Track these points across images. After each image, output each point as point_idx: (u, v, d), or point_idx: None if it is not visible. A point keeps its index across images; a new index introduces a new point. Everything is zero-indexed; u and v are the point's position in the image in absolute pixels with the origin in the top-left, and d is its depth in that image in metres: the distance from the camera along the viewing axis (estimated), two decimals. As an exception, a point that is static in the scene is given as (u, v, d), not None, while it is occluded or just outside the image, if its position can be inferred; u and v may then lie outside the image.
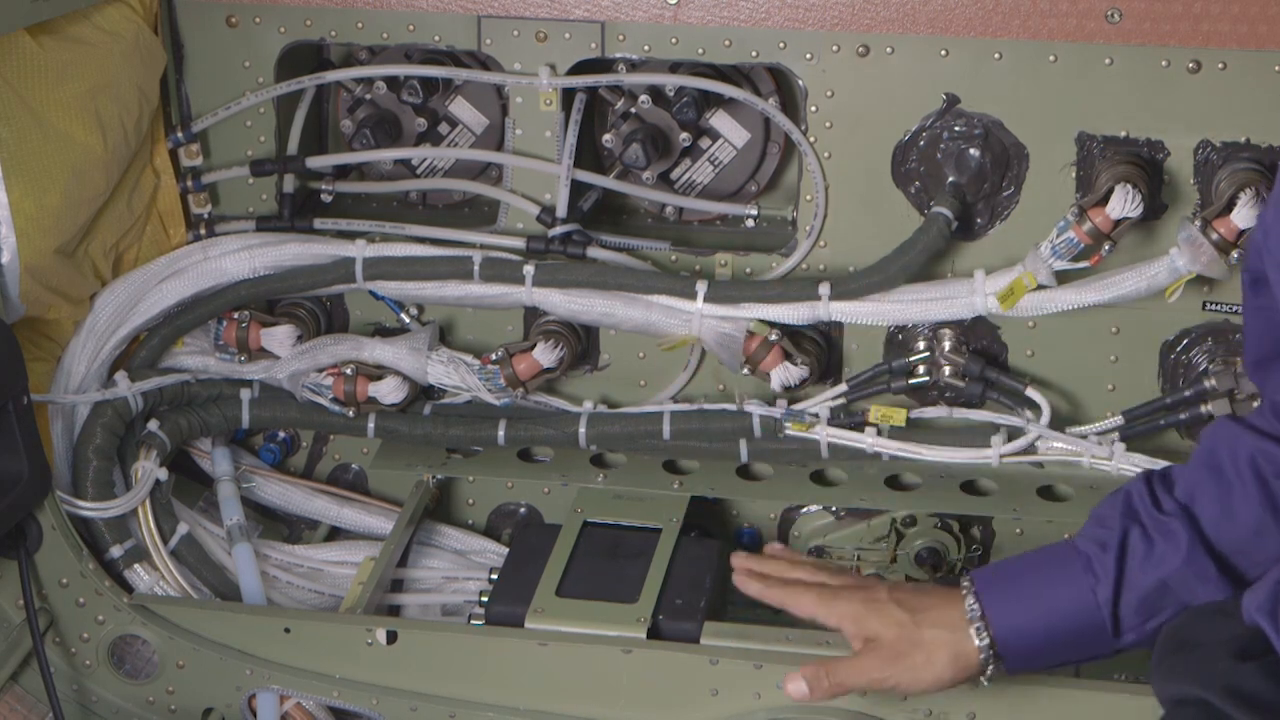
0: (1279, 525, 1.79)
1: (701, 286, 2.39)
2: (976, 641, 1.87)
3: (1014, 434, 2.38)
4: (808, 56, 2.34)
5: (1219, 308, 2.34)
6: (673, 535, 2.32)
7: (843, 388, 2.44)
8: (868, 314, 2.37)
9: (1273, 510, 1.79)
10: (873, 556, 2.46)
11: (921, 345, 2.42)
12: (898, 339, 2.45)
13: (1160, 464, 2.32)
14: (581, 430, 2.48)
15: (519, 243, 2.49)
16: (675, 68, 2.44)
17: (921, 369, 2.42)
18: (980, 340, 2.43)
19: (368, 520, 2.57)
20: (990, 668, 1.88)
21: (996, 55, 2.29)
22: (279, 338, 2.49)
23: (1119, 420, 2.39)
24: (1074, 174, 2.33)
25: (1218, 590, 1.79)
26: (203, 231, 2.53)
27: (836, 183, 2.40)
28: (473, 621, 2.23)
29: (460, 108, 2.57)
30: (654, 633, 2.15)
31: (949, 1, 2.26)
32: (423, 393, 2.53)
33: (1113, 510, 1.88)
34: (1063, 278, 2.29)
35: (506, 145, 2.49)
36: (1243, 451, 1.80)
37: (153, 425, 2.43)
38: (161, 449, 2.41)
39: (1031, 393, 2.39)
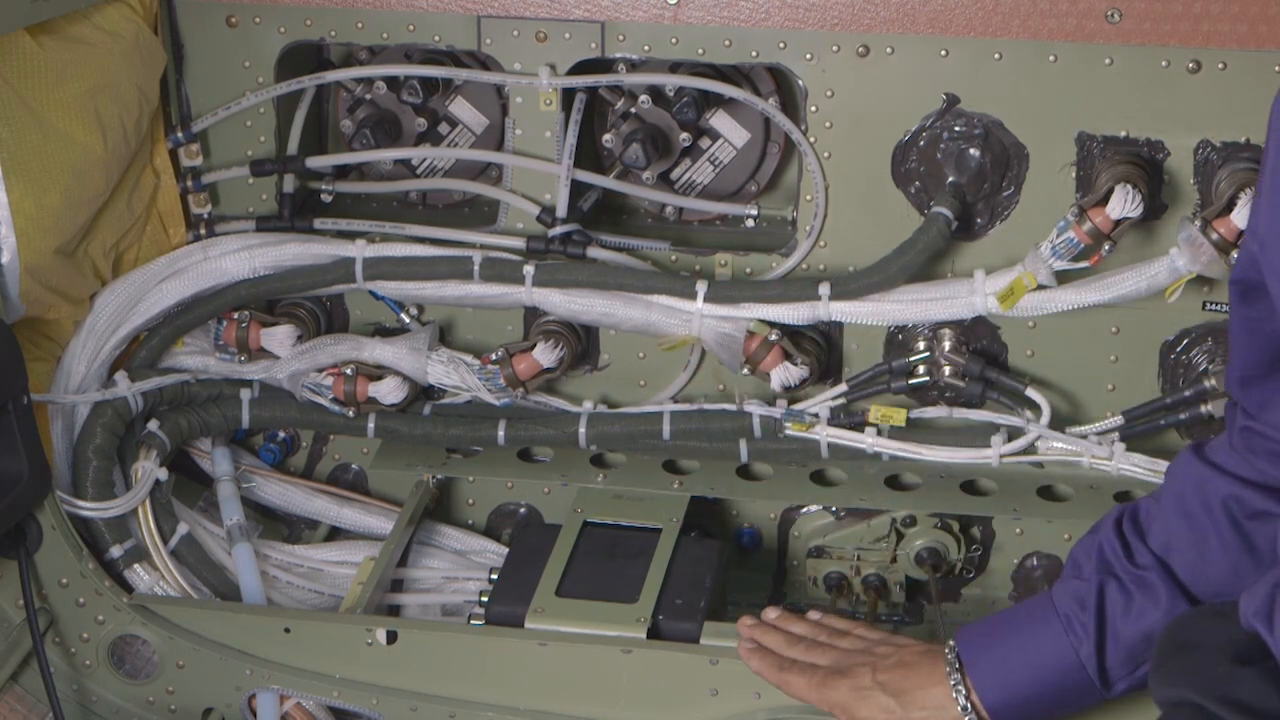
0: (1256, 565, 1.78)
1: (701, 286, 2.39)
2: (965, 719, 1.89)
3: (1014, 434, 2.38)
4: (808, 56, 2.34)
5: (1219, 308, 2.34)
6: (673, 535, 2.32)
7: (843, 388, 2.44)
8: (868, 314, 2.37)
9: (1249, 551, 1.79)
10: (873, 556, 2.45)
11: (921, 345, 2.42)
12: (898, 339, 2.45)
13: (1158, 462, 2.32)
14: (581, 430, 2.48)
15: (519, 243, 2.49)
16: (675, 68, 2.44)
17: (921, 369, 2.42)
18: (980, 340, 2.43)
19: (368, 520, 2.57)
20: None
21: (996, 55, 2.29)
22: (279, 338, 2.49)
23: (1119, 420, 2.39)
24: (1074, 174, 2.33)
25: None
26: (203, 231, 2.53)
27: (836, 183, 2.40)
28: (473, 621, 2.23)
29: (460, 108, 2.57)
30: (654, 633, 2.15)
31: (949, 1, 2.26)
32: (423, 393, 2.53)
33: (1087, 560, 1.89)
34: (1063, 278, 2.29)
35: (506, 145, 2.49)
36: (1214, 496, 1.80)
37: (153, 425, 2.43)
38: (161, 449, 2.41)
39: (1031, 393, 2.38)
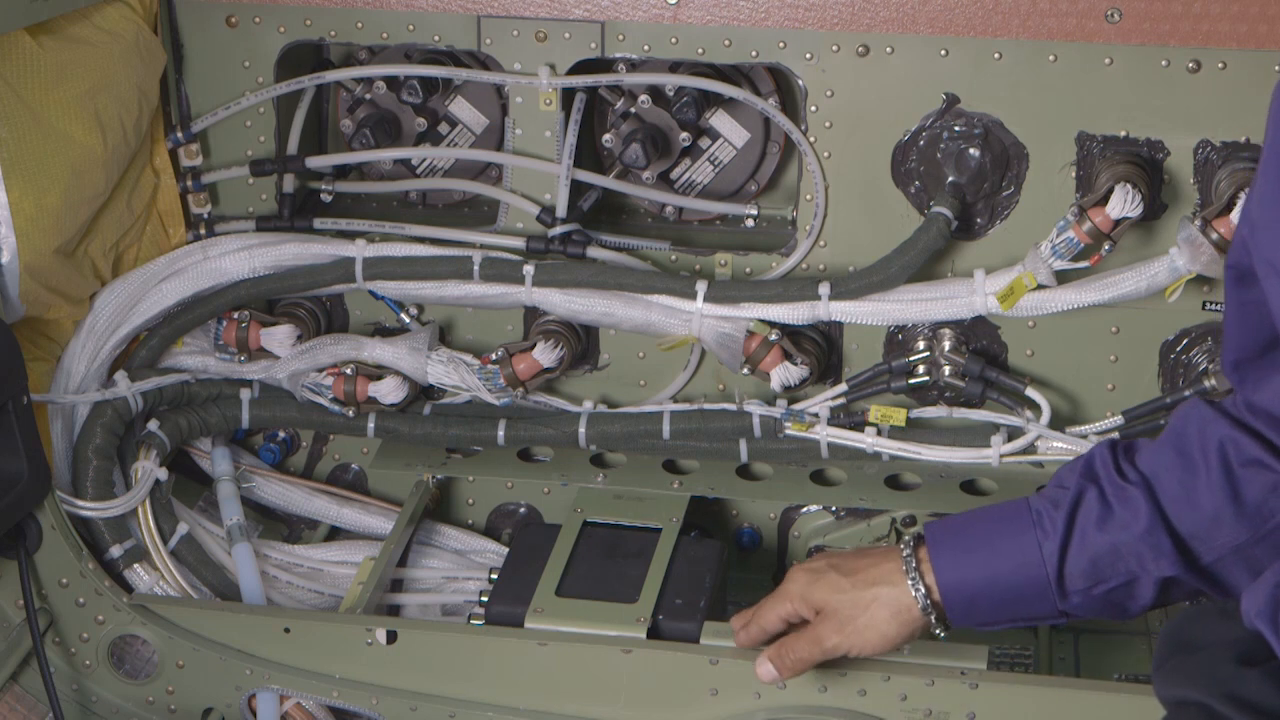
0: (1238, 515, 1.76)
1: (701, 286, 2.39)
2: (913, 592, 1.88)
3: (1014, 434, 2.38)
4: (808, 56, 2.34)
5: (1219, 308, 2.34)
6: (673, 535, 2.33)
7: (843, 388, 2.44)
8: (868, 314, 2.37)
9: (1234, 499, 1.76)
10: (873, 556, 2.45)
11: (921, 345, 2.43)
12: (898, 339, 2.45)
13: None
14: (581, 430, 2.48)
15: (519, 243, 2.49)
16: (675, 68, 2.44)
17: (921, 369, 2.42)
18: (980, 340, 2.43)
19: (368, 520, 2.57)
20: (933, 617, 1.89)
21: (996, 55, 2.29)
22: (279, 338, 2.49)
23: (1119, 420, 2.39)
24: (1074, 174, 2.33)
25: (1170, 566, 1.79)
26: (202, 231, 2.53)
27: (836, 183, 2.40)
28: (473, 621, 2.23)
29: (460, 108, 2.57)
30: (654, 633, 2.15)
31: (949, 1, 2.26)
32: (423, 393, 2.53)
33: (1071, 472, 1.88)
34: (1063, 277, 2.29)
35: (506, 145, 2.49)
36: (1212, 437, 1.78)
37: (152, 425, 2.43)
38: (161, 449, 2.41)
39: (1031, 392, 2.39)
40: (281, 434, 2.64)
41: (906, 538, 1.93)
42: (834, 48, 2.33)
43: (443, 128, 2.57)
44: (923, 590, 1.88)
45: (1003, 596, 1.87)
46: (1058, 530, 1.83)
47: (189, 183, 2.51)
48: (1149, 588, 1.82)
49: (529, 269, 2.42)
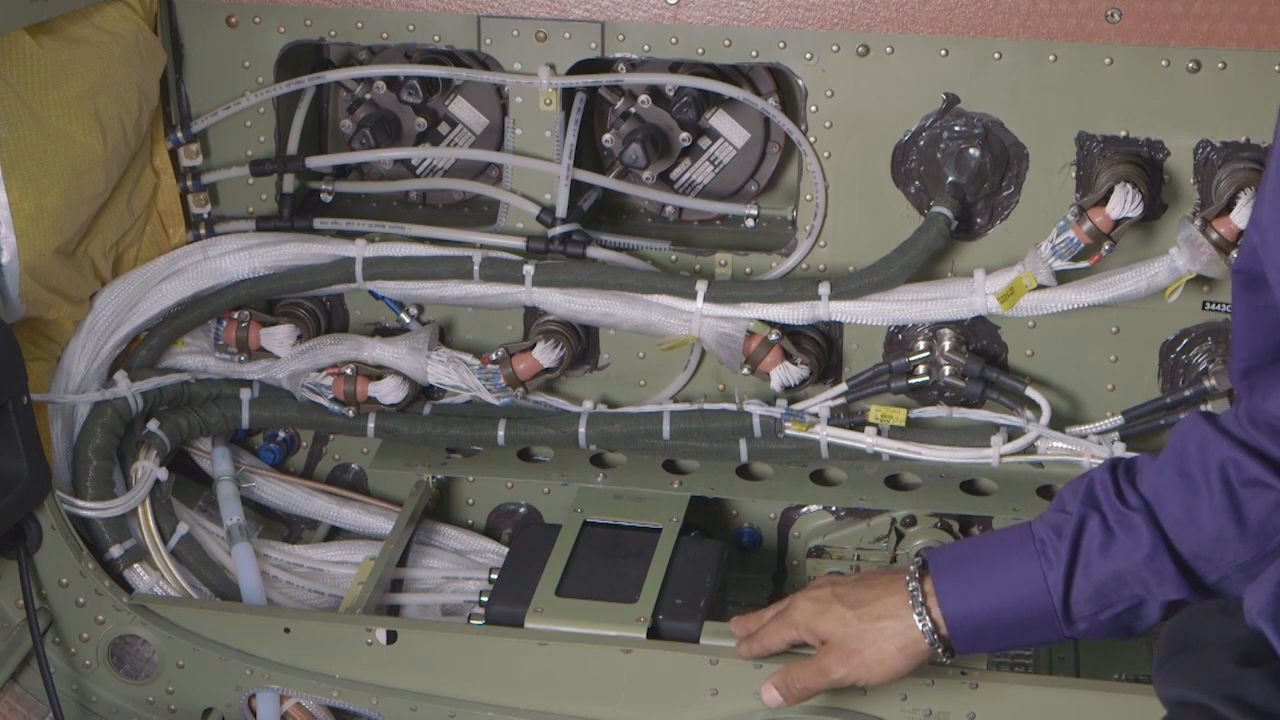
0: (1241, 535, 1.75)
1: (701, 286, 2.39)
2: (920, 626, 1.88)
3: (1014, 434, 2.38)
4: (808, 56, 2.34)
5: (1219, 308, 2.34)
6: (673, 535, 2.33)
7: (843, 388, 2.44)
8: (868, 314, 2.37)
9: (1237, 519, 1.75)
10: (873, 556, 2.46)
11: (921, 345, 2.43)
12: (898, 339, 2.45)
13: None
14: (581, 430, 2.48)
15: (519, 243, 2.49)
16: (675, 67, 2.44)
17: (921, 369, 2.42)
18: (980, 340, 2.43)
19: (367, 520, 2.57)
20: (940, 649, 1.89)
21: (996, 55, 2.29)
22: (279, 338, 2.49)
23: (1119, 420, 2.39)
24: (1074, 174, 2.33)
25: (1175, 590, 1.79)
26: (202, 231, 2.53)
27: (836, 183, 2.40)
28: (472, 621, 2.23)
29: (460, 108, 2.57)
30: (654, 633, 2.15)
31: (949, 1, 2.26)
32: (423, 393, 2.54)
33: (1073, 497, 1.87)
34: (1063, 278, 2.29)
35: (506, 145, 2.49)
36: (1213, 457, 1.77)
37: (152, 425, 2.43)
38: (161, 449, 2.41)
39: (1031, 392, 2.39)
40: (281, 434, 2.64)
41: (911, 566, 1.91)
42: (834, 48, 2.33)
43: (443, 128, 2.57)
44: (929, 624, 1.88)
45: (1009, 626, 1.87)
46: (1062, 560, 1.83)
47: (189, 183, 2.51)
48: (1155, 609, 1.81)
49: (529, 269, 2.42)
